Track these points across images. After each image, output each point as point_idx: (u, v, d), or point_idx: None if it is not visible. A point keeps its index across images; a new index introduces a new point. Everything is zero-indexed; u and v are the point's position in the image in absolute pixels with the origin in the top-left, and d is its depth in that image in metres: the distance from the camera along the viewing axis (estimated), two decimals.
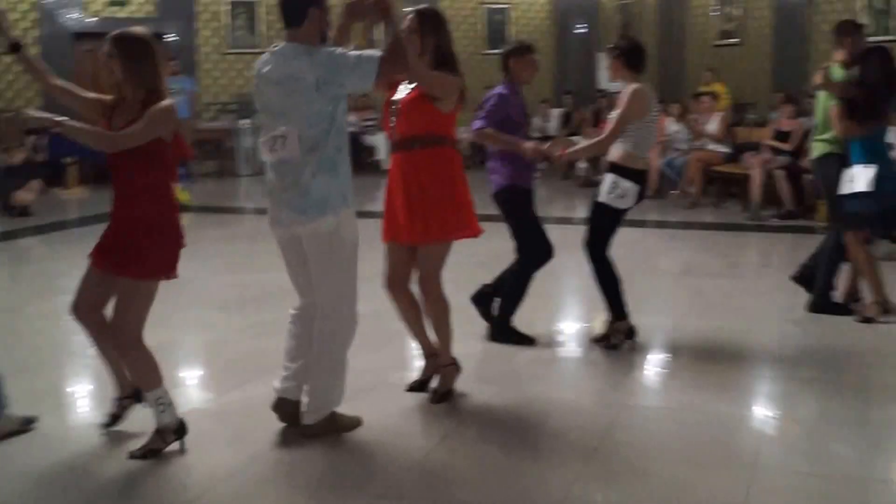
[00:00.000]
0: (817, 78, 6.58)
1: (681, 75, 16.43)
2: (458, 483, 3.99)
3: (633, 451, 4.30)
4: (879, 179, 6.28)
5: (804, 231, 10.33)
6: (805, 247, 9.43)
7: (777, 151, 11.31)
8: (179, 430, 4.29)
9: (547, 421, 4.73)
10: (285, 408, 4.50)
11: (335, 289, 4.33)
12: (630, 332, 5.89)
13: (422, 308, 5.03)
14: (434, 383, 5.06)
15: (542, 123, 16.37)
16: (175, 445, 4.27)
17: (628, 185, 5.65)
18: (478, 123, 5.71)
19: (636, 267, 7.57)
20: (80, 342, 4.98)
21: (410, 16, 4.81)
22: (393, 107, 4.88)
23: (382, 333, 5.77)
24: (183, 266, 4.32)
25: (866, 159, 6.35)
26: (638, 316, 6.01)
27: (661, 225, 10.90)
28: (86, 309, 4.39)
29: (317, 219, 4.21)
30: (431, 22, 4.84)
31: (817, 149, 6.95)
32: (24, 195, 12.02)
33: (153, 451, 4.21)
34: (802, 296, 6.84)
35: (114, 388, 4.54)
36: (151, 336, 4.29)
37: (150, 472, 4.09)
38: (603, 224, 5.82)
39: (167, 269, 4.27)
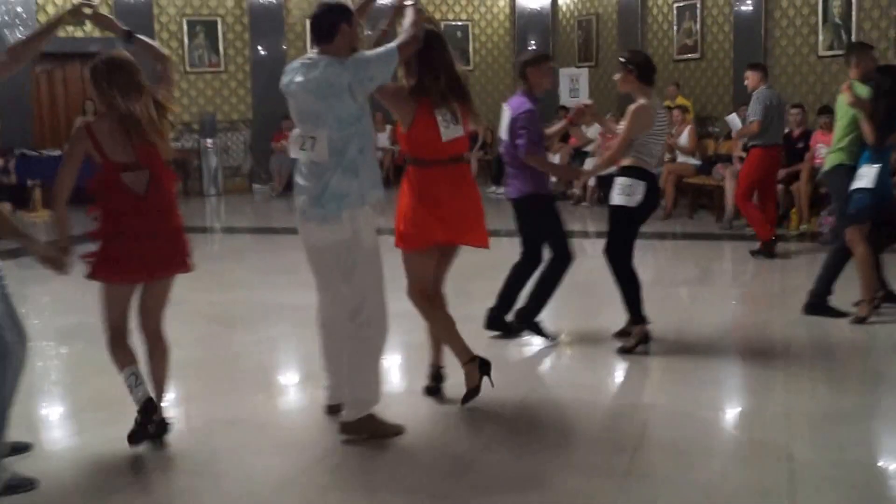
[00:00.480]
0: (847, 98, 6.82)
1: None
2: (502, 489, 4.05)
3: (670, 450, 4.46)
4: (883, 180, 6.65)
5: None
6: (777, 253, 9.77)
7: None
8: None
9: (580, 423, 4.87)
10: (334, 411, 4.86)
11: (362, 294, 4.52)
12: (645, 337, 6.08)
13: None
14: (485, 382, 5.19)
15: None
16: None
17: (634, 182, 5.89)
18: (525, 145, 5.94)
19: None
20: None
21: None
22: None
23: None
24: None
25: (873, 161, 6.64)
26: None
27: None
28: (125, 328, 4.47)
29: (336, 213, 4.45)
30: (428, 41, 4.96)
31: (830, 160, 7.27)
32: None
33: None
34: (796, 300, 7.06)
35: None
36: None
37: (211, 483, 4.12)
38: (620, 229, 6.06)
39: None
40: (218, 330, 7.01)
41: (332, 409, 4.92)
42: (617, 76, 6.18)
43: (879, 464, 4.21)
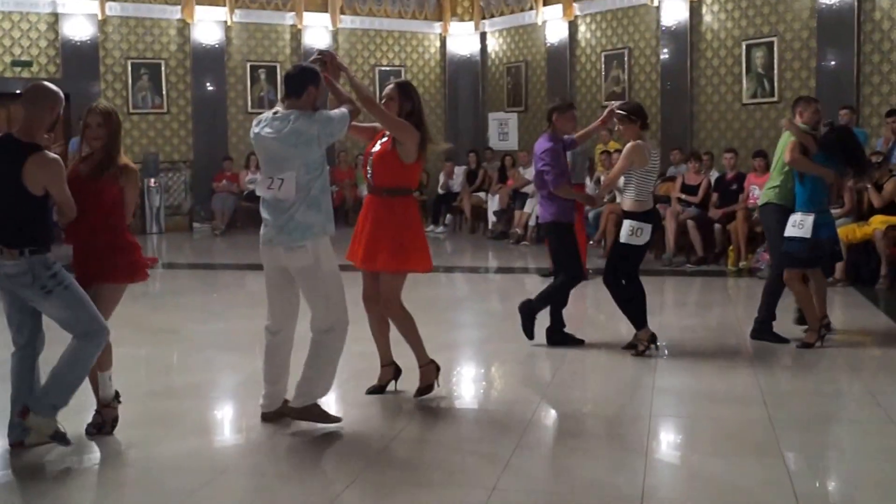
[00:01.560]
0: (785, 123, 7.55)
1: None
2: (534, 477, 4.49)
3: (677, 450, 5.05)
4: (817, 227, 7.21)
5: (715, 275, 11.35)
6: (716, 288, 10.48)
7: (686, 203, 12.32)
8: (116, 395, 5.28)
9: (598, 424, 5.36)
10: (271, 417, 5.49)
11: (325, 307, 5.30)
12: (652, 338, 7.01)
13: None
14: (392, 387, 6.07)
15: (446, 180, 17.03)
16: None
17: (643, 225, 6.91)
18: (553, 179, 7.04)
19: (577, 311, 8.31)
20: None
21: (391, 85, 5.87)
22: (370, 158, 5.86)
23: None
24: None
25: (808, 208, 7.24)
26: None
27: None
28: None
29: (299, 242, 5.17)
30: (406, 91, 5.85)
31: (762, 197, 7.90)
32: None
33: (115, 420, 5.23)
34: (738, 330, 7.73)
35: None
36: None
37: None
38: (626, 261, 7.08)
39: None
40: (225, 356, 7.33)
41: (267, 417, 5.50)
42: (619, 128, 6.96)
43: (847, 449, 4.80)
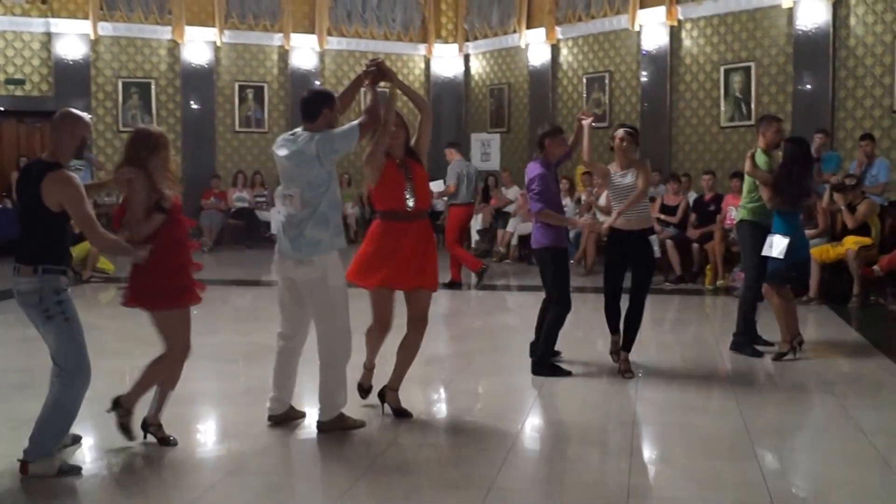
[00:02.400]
0: (747, 166, 7.85)
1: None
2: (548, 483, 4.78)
3: (660, 453, 5.34)
4: (793, 249, 7.60)
5: (692, 293, 11.69)
6: (693, 306, 10.80)
7: (665, 223, 12.67)
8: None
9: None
10: (278, 420, 5.80)
11: (330, 322, 5.54)
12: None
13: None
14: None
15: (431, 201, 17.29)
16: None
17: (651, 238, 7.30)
18: (536, 206, 7.05)
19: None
20: None
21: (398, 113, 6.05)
22: (408, 184, 5.91)
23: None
24: (151, 330, 5.49)
25: (784, 230, 7.61)
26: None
27: None
28: None
29: (309, 257, 5.45)
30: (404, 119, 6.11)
31: (737, 215, 8.29)
32: None
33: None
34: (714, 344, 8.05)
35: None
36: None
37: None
38: (649, 275, 7.40)
39: None
40: (223, 366, 7.52)
41: (274, 420, 5.80)
42: (625, 143, 7.27)
43: (820, 450, 5.12)
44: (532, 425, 6.03)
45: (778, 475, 4.91)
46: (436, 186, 12.11)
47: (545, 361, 7.20)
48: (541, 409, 6.41)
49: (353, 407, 5.96)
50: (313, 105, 5.54)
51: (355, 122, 5.54)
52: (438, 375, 7.27)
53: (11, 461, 4.97)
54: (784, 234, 7.60)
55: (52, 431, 4.93)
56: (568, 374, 7.16)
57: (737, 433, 5.67)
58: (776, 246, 7.57)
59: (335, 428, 5.63)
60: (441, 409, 6.37)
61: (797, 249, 7.64)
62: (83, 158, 13.36)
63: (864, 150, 11.66)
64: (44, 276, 4.86)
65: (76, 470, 4.96)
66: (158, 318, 5.40)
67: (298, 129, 5.62)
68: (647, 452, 5.48)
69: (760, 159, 7.89)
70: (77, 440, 5.37)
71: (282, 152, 5.56)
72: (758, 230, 7.95)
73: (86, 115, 5.17)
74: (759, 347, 7.96)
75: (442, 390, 6.83)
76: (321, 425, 5.65)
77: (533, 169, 7.19)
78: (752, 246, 7.99)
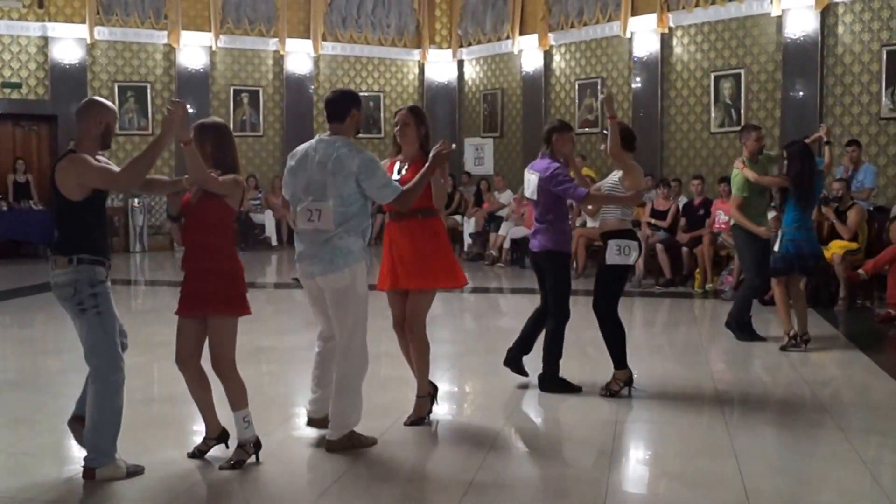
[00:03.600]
0: (751, 176, 8.22)
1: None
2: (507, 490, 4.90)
3: (640, 450, 5.45)
4: (788, 242, 8.02)
5: (682, 296, 11.83)
6: (683, 309, 10.93)
7: (655, 227, 12.81)
8: (257, 444, 5.14)
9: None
10: (318, 423, 5.65)
11: (350, 332, 5.30)
12: (629, 380, 6.77)
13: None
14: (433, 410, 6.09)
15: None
16: (253, 458, 5.12)
17: (631, 243, 6.68)
18: (581, 191, 6.50)
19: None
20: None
21: (403, 111, 5.95)
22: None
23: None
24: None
25: (795, 232, 8.06)
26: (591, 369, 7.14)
27: None
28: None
29: (342, 268, 5.20)
30: (420, 116, 5.94)
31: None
32: None
33: (240, 463, 5.05)
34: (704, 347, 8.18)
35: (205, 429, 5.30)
36: (182, 387, 5.31)
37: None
38: (612, 284, 6.81)
39: None
40: None
41: (313, 422, 5.69)
42: (602, 146, 7.02)
43: (807, 454, 5.25)
44: (515, 425, 6.14)
45: (755, 474, 5.02)
46: None
47: (554, 377, 6.85)
48: (525, 409, 6.52)
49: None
50: (340, 105, 5.33)
51: (399, 188, 5.29)
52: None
53: (16, 454, 5.07)
54: (800, 227, 8.03)
55: (107, 434, 4.85)
56: (578, 389, 6.81)
57: (718, 432, 5.80)
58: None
59: (345, 447, 5.36)
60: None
61: (807, 243, 8.05)
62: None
63: (851, 155, 11.83)
64: (79, 267, 4.77)
65: (141, 469, 4.94)
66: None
67: (324, 136, 5.36)
68: (628, 451, 5.60)
69: (749, 171, 8.17)
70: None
71: (317, 159, 5.27)
72: (751, 233, 8.27)
73: (110, 103, 5.04)
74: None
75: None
76: (330, 444, 5.37)
77: (546, 165, 6.72)
78: (748, 247, 8.27)
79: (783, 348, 8.11)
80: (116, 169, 4.87)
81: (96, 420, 4.82)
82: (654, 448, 5.69)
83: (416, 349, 5.94)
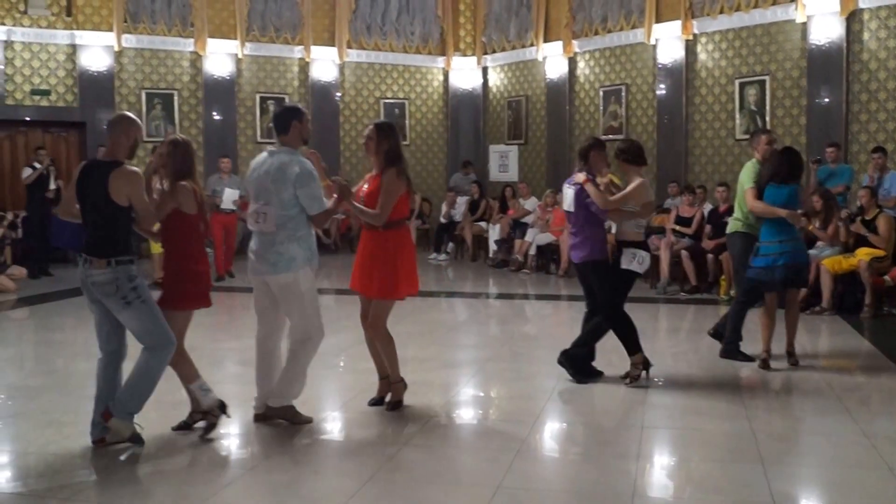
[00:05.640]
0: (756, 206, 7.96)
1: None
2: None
3: (666, 456, 5.50)
4: (777, 254, 7.74)
5: (707, 303, 11.81)
6: (708, 316, 10.91)
7: (680, 234, 12.80)
8: (221, 406, 5.84)
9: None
10: (261, 418, 6.12)
11: (300, 321, 5.96)
12: (646, 363, 7.20)
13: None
14: (388, 397, 6.50)
15: (448, 210, 17.50)
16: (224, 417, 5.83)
17: (644, 253, 7.12)
18: (596, 208, 7.04)
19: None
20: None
21: (370, 126, 6.43)
22: (360, 198, 6.34)
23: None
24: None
25: (768, 237, 7.82)
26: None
27: (573, 298, 12.01)
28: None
29: (283, 272, 5.82)
30: (385, 131, 6.38)
31: (729, 226, 8.46)
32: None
33: (212, 426, 5.77)
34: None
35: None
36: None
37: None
38: (621, 286, 7.18)
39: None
40: (241, 370, 7.73)
41: (259, 417, 6.11)
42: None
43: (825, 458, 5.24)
44: (541, 428, 6.17)
45: (781, 479, 5.03)
46: (230, 195, 13.92)
47: (578, 358, 7.29)
48: (551, 414, 6.54)
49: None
50: (283, 119, 6.04)
51: (325, 204, 5.96)
52: (453, 381, 7.43)
53: (46, 454, 5.18)
54: (768, 239, 7.80)
55: (138, 394, 5.45)
56: (599, 374, 7.35)
57: (743, 438, 5.80)
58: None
59: (279, 417, 5.99)
60: (454, 413, 6.51)
61: (794, 254, 7.77)
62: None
63: (877, 163, 11.77)
64: (117, 267, 5.31)
65: (140, 441, 5.50)
66: None
67: (273, 148, 6.07)
68: (654, 455, 5.61)
69: (754, 169, 8.08)
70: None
71: (261, 163, 6.01)
72: (750, 242, 8.12)
73: (137, 119, 5.67)
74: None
75: (456, 395, 6.97)
76: (268, 410, 6.02)
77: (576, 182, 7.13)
78: (743, 258, 8.16)
79: (762, 366, 7.82)
80: (150, 210, 5.52)
81: (136, 383, 5.45)
82: (681, 454, 5.71)
83: (382, 344, 6.40)
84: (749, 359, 8.02)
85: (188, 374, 5.80)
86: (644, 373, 7.22)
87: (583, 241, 7.18)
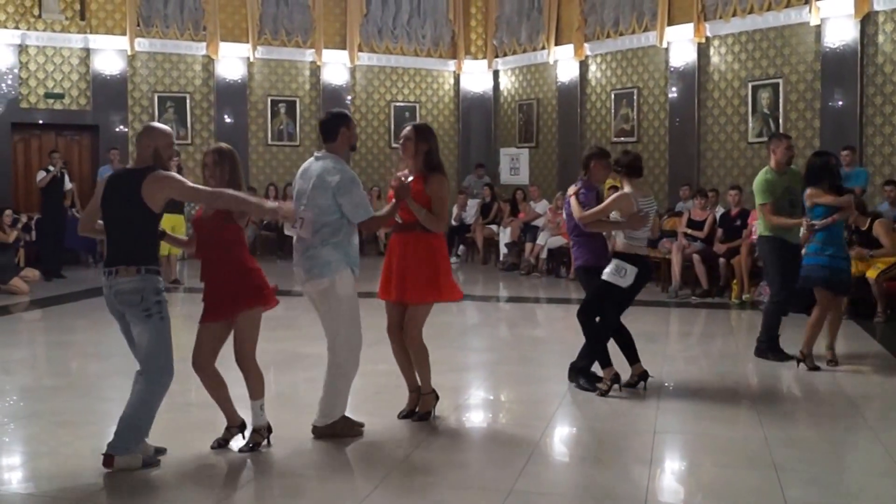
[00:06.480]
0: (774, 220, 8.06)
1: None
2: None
3: (678, 460, 5.46)
4: (834, 258, 7.78)
5: (719, 307, 11.77)
6: (720, 320, 10.88)
7: (691, 238, 12.77)
8: (269, 429, 5.61)
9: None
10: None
11: (337, 331, 5.73)
12: (616, 378, 6.95)
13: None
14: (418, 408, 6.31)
15: (459, 212, 17.49)
16: (266, 441, 5.58)
17: (628, 266, 6.85)
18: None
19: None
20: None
21: (408, 127, 6.28)
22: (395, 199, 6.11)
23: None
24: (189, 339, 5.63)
25: (823, 241, 7.83)
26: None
27: None
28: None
29: (317, 278, 5.65)
30: (423, 133, 6.21)
31: (759, 229, 8.44)
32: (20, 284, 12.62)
33: (256, 445, 5.52)
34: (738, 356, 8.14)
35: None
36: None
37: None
38: (604, 299, 6.97)
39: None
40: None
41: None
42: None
43: (830, 461, 5.21)
44: (553, 433, 6.16)
45: (795, 486, 5.00)
46: None
47: (585, 370, 7.18)
48: (563, 418, 6.52)
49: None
50: (331, 125, 5.86)
51: (370, 211, 5.76)
52: (464, 384, 7.42)
53: (59, 456, 5.20)
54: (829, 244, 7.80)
55: (136, 428, 5.17)
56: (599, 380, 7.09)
57: (756, 443, 5.76)
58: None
59: (327, 435, 5.78)
60: (466, 417, 6.51)
61: (835, 258, 7.80)
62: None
63: (890, 195, 11.74)
64: (146, 276, 5.11)
65: (157, 462, 5.27)
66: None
67: (319, 153, 5.89)
68: (666, 460, 5.60)
69: (768, 176, 8.09)
70: (162, 452, 5.43)
71: (309, 168, 5.85)
72: (779, 244, 8.11)
73: (166, 128, 5.49)
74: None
75: (467, 398, 6.96)
76: (315, 430, 5.82)
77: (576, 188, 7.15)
78: (774, 260, 8.15)
79: (810, 368, 7.84)
80: (210, 190, 5.34)
81: (135, 414, 5.15)
82: (693, 459, 5.68)
83: (416, 354, 6.18)
84: (784, 357, 8.10)
85: (258, 390, 5.57)
86: (617, 386, 6.93)
87: (579, 247, 7.20)
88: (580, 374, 7.17)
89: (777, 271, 8.22)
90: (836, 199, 7.76)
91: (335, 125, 5.85)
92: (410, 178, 6.12)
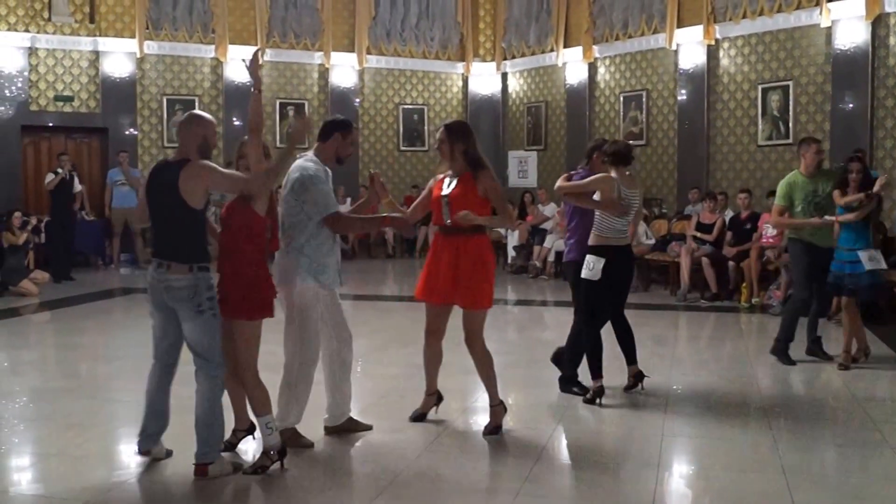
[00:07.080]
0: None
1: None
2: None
3: (686, 464, 5.43)
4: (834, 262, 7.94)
5: (728, 310, 11.73)
6: (729, 323, 10.84)
7: (700, 241, 12.73)
8: (281, 452, 5.23)
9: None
10: (332, 431, 5.97)
11: (291, 342, 5.62)
12: (600, 391, 6.83)
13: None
14: (432, 414, 6.34)
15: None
16: (277, 465, 5.21)
17: (595, 259, 6.76)
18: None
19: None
20: None
21: (441, 129, 6.06)
22: (444, 201, 5.92)
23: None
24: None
25: (855, 242, 7.95)
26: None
27: None
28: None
29: (280, 283, 5.47)
30: (457, 132, 5.99)
31: (788, 231, 8.59)
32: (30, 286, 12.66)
33: (262, 468, 5.17)
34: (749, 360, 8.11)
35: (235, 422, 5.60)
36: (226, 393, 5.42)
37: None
38: (588, 296, 6.90)
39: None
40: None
41: (328, 430, 5.94)
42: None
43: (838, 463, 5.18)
44: (561, 436, 6.14)
45: (804, 490, 4.97)
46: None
47: (571, 380, 7.19)
48: (570, 421, 6.50)
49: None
50: (329, 126, 5.75)
51: (334, 209, 5.57)
52: (471, 387, 7.38)
53: (67, 457, 5.21)
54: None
55: (217, 428, 5.17)
56: (587, 391, 6.97)
57: (765, 447, 5.75)
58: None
59: (341, 430, 5.88)
60: (473, 420, 6.49)
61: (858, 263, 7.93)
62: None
63: None
64: (198, 274, 5.02)
65: (240, 465, 5.26)
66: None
67: (310, 152, 5.75)
68: (674, 464, 5.58)
69: (791, 179, 8.11)
70: (169, 454, 5.41)
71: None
72: (803, 247, 8.16)
73: (208, 116, 5.25)
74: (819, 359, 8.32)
75: (475, 401, 6.95)
76: (328, 430, 5.90)
77: (578, 177, 7.11)
78: (800, 263, 8.20)
79: (841, 366, 7.99)
80: (245, 176, 5.14)
81: (209, 415, 5.12)
82: (701, 463, 5.65)
83: (480, 362, 6.09)
84: (791, 362, 8.14)
85: (262, 404, 5.24)
86: (598, 401, 6.81)
87: (574, 242, 7.17)
88: (569, 382, 7.17)
89: (801, 272, 8.30)
90: (846, 198, 7.88)
91: (333, 128, 5.74)
92: (451, 188, 5.88)
